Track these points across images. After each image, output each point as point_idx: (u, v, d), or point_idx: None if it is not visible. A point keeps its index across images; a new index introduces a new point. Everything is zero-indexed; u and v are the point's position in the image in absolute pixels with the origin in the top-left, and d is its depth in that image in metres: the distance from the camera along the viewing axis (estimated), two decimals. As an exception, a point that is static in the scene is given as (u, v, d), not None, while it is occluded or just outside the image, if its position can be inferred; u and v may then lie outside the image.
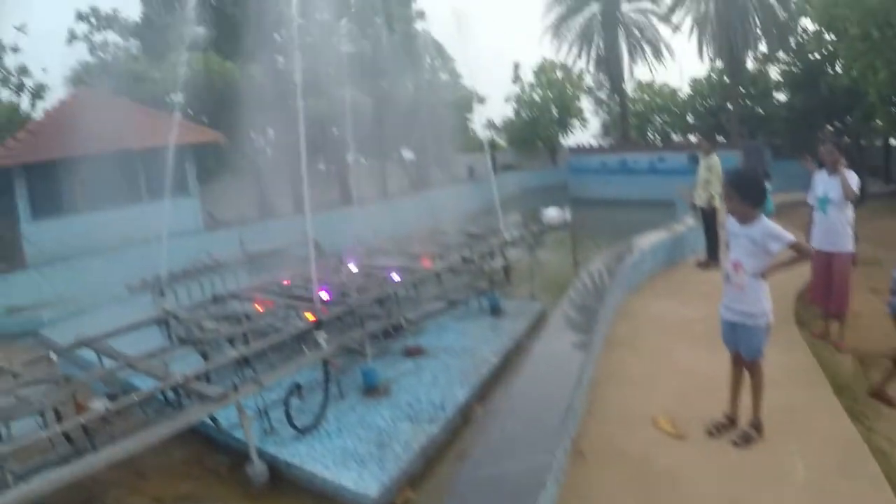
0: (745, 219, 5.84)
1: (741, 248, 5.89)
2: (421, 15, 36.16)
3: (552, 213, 18.15)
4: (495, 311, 12.18)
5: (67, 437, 6.99)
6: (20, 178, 19.07)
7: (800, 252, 5.85)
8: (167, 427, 6.61)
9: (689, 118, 48.98)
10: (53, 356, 8.43)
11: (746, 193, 5.78)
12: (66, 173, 19.69)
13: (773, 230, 5.71)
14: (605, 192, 37.83)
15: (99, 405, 6.72)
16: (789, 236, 5.68)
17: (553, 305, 10.99)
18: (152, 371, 7.85)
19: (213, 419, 7.58)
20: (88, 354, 9.73)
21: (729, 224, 6.06)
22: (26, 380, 7.80)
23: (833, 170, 8.85)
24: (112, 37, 32.40)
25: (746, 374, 6.18)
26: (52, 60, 37.36)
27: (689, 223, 16.16)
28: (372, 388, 8.76)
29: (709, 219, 14.46)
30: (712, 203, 14.18)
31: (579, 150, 45.07)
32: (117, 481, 7.32)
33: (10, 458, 6.27)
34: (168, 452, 7.73)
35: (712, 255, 14.31)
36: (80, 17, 31.51)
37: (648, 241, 14.47)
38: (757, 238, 5.75)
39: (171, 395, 7.56)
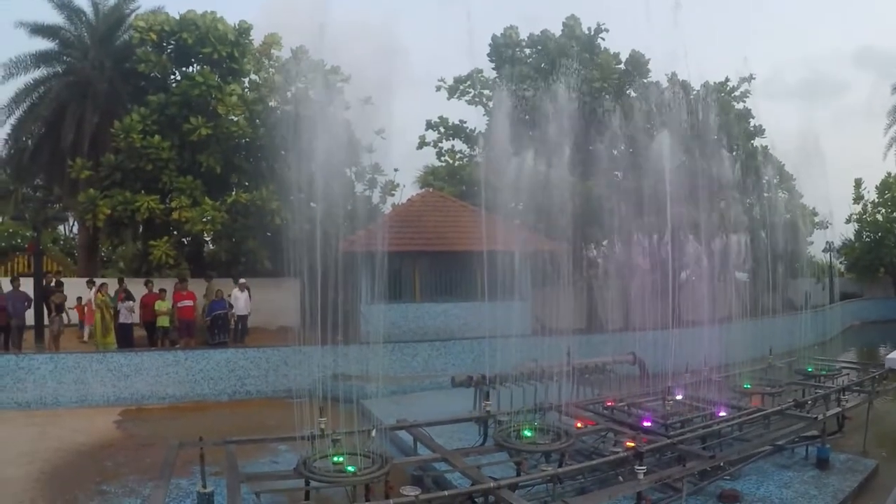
0: None
1: None
2: (760, 131, 34.90)
3: (895, 356, 16.23)
4: (822, 463, 10.90)
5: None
6: (365, 263, 20.87)
7: None
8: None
9: None
10: (373, 433, 8.80)
11: None
12: (407, 264, 21.27)
13: None
14: (960, 329, 32.89)
15: (411, 492, 6.88)
16: None
17: (886, 464, 10.19)
18: (467, 471, 7.96)
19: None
20: (405, 436, 10.18)
21: None
22: (345, 449, 8.22)
23: None
24: (458, 144, 35.27)
25: None
26: (402, 162, 41.18)
27: None
28: (680, 532, 8.18)
29: None
30: None
31: (927, 278, 40.08)
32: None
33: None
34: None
35: None
36: (430, 125, 34.57)
37: None
38: None
39: (479, 496, 7.59)
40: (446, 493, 7.28)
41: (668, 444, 8.90)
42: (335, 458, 7.90)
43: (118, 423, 15.48)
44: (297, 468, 7.81)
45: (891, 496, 8.66)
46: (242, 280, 23.95)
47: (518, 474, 8.07)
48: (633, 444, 8.47)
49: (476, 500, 7.74)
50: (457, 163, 33.40)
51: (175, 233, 28.00)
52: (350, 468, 7.66)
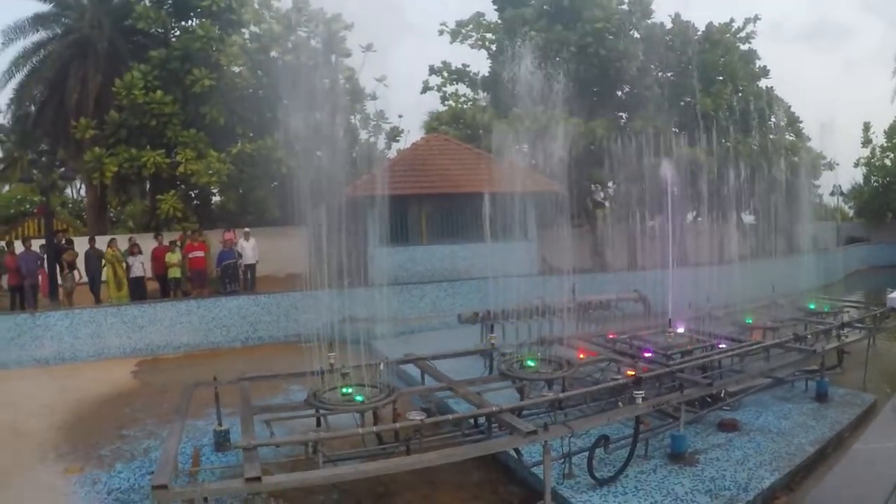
0: None
1: None
2: (765, 72, 34.58)
3: (898, 296, 16.37)
4: (821, 396, 11.12)
5: (379, 437, 7.78)
6: (371, 208, 20.99)
7: None
8: (474, 449, 6.93)
9: None
10: (382, 366, 9.07)
11: None
12: (413, 207, 21.39)
13: None
14: (964, 274, 32.61)
15: (416, 416, 7.22)
16: None
17: (885, 399, 10.24)
18: (470, 397, 8.24)
19: (518, 452, 7.83)
20: (412, 370, 10.49)
21: None
22: (353, 381, 8.60)
23: None
24: (462, 89, 35.03)
25: None
26: (407, 108, 41.03)
27: None
28: (678, 455, 8.44)
29: None
30: None
31: (934, 225, 39.98)
32: (413, 486, 7.90)
33: (326, 443, 7.09)
34: (467, 472, 8.18)
35: None
36: (433, 70, 34.32)
37: None
38: None
39: (483, 421, 7.90)
40: (451, 416, 7.53)
41: (668, 373, 9.09)
42: (344, 390, 8.18)
43: (135, 373, 15.84)
44: (307, 400, 8.09)
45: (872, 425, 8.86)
46: (247, 229, 24.08)
47: (521, 401, 8.33)
48: (633, 373, 8.68)
49: (480, 424, 8.03)
50: (460, 107, 33.28)
51: (182, 186, 28.19)
52: (358, 398, 7.93)
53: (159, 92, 25.89)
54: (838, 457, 8.54)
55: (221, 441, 8.88)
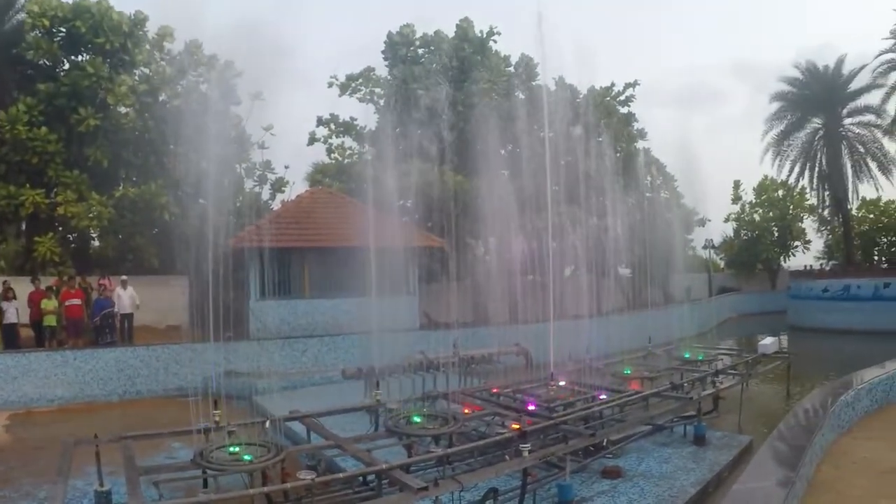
0: None
1: None
2: (642, 134, 36.33)
3: (767, 342, 17.38)
4: (699, 440, 11.63)
5: (269, 498, 7.54)
6: (254, 260, 20.78)
7: None
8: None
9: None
10: (268, 424, 8.94)
11: None
12: (296, 260, 21.27)
13: None
14: (826, 321, 35.01)
15: (306, 476, 7.11)
16: None
17: (760, 439, 10.59)
18: (359, 455, 8.20)
19: (408, 509, 7.81)
20: (298, 427, 10.37)
21: None
22: (240, 440, 8.36)
23: None
24: (349, 142, 35.20)
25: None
26: (293, 159, 40.94)
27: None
28: (565, 504, 8.62)
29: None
30: None
31: (800, 274, 42.96)
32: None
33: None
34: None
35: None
36: (321, 122, 34.44)
37: (866, 377, 13.43)
38: None
39: (372, 479, 7.88)
40: (341, 475, 7.50)
41: (552, 425, 9.34)
42: (231, 449, 8.02)
43: (7, 427, 15.09)
44: (194, 459, 7.87)
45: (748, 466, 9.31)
46: (124, 277, 23.26)
47: (409, 457, 8.37)
48: (518, 426, 8.87)
49: (370, 482, 8.02)
50: (346, 160, 33.43)
51: (60, 229, 27.03)
52: (246, 457, 7.78)
53: (44, 128, 24.88)
54: (718, 496, 8.90)
55: (103, 503, 8.55)
